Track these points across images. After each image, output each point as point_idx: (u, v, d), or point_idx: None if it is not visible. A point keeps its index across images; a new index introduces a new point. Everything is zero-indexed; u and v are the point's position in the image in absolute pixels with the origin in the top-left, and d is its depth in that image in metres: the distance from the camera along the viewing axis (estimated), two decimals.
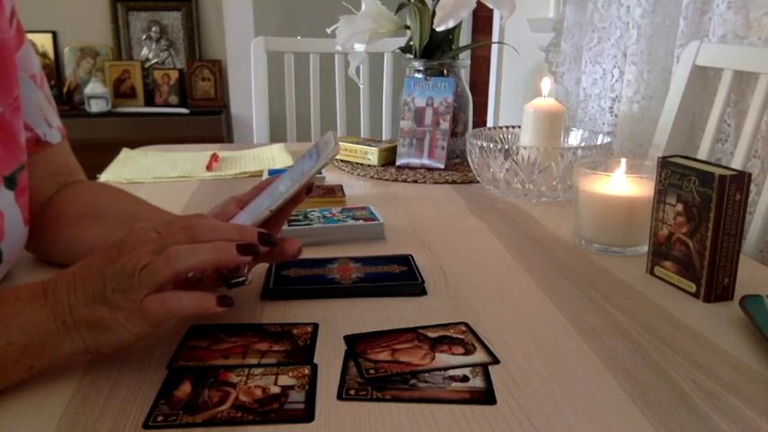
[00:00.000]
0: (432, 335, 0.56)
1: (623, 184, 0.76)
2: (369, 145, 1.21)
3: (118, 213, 0.70)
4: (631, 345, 0.55)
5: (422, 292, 0.65)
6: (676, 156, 0.69)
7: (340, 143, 1.22)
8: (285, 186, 0.56)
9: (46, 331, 0.46)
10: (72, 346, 0.47)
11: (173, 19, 3.03)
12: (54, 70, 2.99)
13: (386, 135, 1.81)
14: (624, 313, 0.61)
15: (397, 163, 1.18)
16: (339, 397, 0.47)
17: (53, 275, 0.49)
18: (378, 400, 0.46)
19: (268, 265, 0.70)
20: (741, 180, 0.61)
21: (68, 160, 0.76)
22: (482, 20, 2.81)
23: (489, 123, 2.32)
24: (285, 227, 0.78)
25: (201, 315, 0.53)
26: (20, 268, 0.71)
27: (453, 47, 1.20)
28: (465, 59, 1.26)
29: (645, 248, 0.73)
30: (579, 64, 1.47)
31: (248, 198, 0.60)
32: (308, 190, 0.57)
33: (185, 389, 0.47)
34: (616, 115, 1.34)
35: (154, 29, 3.03)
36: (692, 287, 0.65)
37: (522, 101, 1.22)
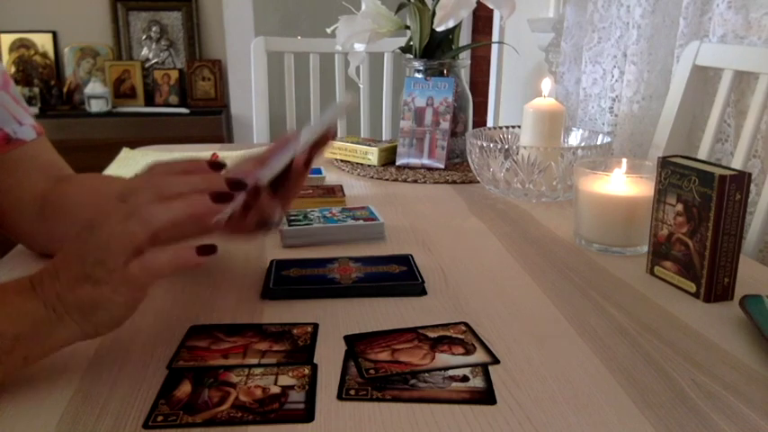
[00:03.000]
0: (432, 335, 0.56)
1: (623, 184, 0.76)
2: (369, 145, 1.21)
3: None
4: (631, 345, 0.55)
5: (422, 292, 0.65)
6: (676, 156, 0.69)
7: (340, 142, 1.22)
8: (306, 136, 0.59)
9: (37, 320, 0.46)
10: (66, 332, 0.47)
11: (173, 19, 3.03)
12: (54, 70, 2.99)
13: (386, 135, 1.81)
14: (624, 313, 0.61)
15: (397, 163, 1.18)
16: (339, 397, 0.47)
17: (38, 269, 0.49)
18: (378, 400, 0.46)
19: (268, 265, 0.70)
20: (741, 180, 0.61)
21: (51, 155, 0.76)
22: (482, 20, 2.81)
23: (489, 123, 2.32)
24: (291, 227, 0.78)
25: (184, 269, 0.50)
26: (21, 266, 0.71)
27: (453, 47, 1.20)
28: (465, 59, 1.26)
29: (645, 248, 0.73)
30: (579, 64, 1.47)
31: (267, 155, 0.62)
32: (333, 135, 0.61)
33: (185, 389, 0.47)
34: (616, 115, 1.34)
35: (154, 29, 3.03)
36: (692, 287, 0.65)
37: (522, 101, 1.22)
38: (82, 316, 0.47)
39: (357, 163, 1.20)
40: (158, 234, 0.46)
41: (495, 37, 2.26)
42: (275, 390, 0.47)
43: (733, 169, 0.63)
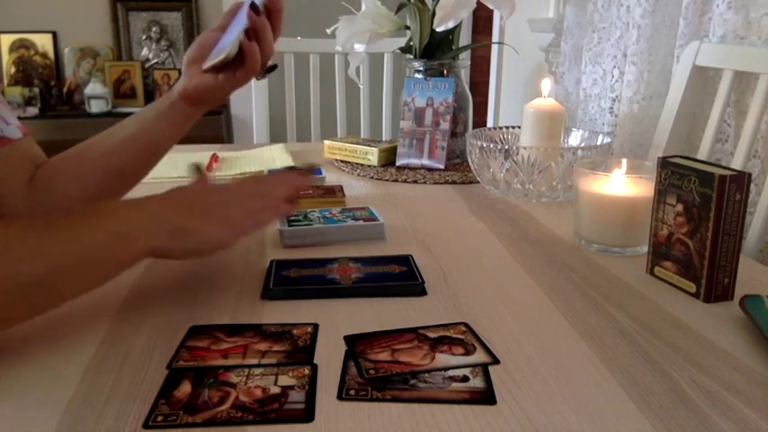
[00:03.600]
0: (432, 335, 0.56)
1: (623, 185, 0.76)
2: (369, 145, 1.21)
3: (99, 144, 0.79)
4: (631, 345, 0.55)
5: (422, 292, 0.65)
6: (676, 156, 0.69)
7: (340, 143, 1.22)
8: None
9: (140, 225, 0.56)
10: (151, 243, 0.56)
11: (173, 19, 3.03)
12: (54, 70, 2.99)
13: (386, 135, 1.81)
14: (624, 313, 0.61)
15: (397, 163, 1.18)
16: (339, 397, 0.47)
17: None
18: (378, 400, 0.46)
19: (268, 265, 0.70)
20: (741, 180, 0.61)
21: (38, 152, 0.79)
22: (482, 20, 2.81)
23: (489, 123, 2.32)
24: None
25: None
26: None
27: (453, 47, 1.20)
28: (465, 59, 1.26)
29: (645, 248, 0.73)
30: (579, 64, 1.47)
31: (225, 23, 0.75)
32: None
33: (185, 389, 0.47)
34: (616, 115, 1.34)
35: (154, 29, 3.03)
36: (692, 287, 0.65)
37: (522, 101, 1.22)
38: (173, 237, 0.58)
39: (357, 163, 1.20)
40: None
41: (495, 37, 2.26)
42: (275, 390, 0.47)
43: (733, 169, 0.63)
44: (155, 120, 0.77)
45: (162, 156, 0.80)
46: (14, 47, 2.95)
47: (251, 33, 0.69)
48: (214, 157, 1.23)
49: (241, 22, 0.70)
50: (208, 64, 0.72)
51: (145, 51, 3.04)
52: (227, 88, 0.74)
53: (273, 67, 0.74)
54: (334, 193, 0.99)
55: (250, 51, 0.70)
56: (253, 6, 0.68)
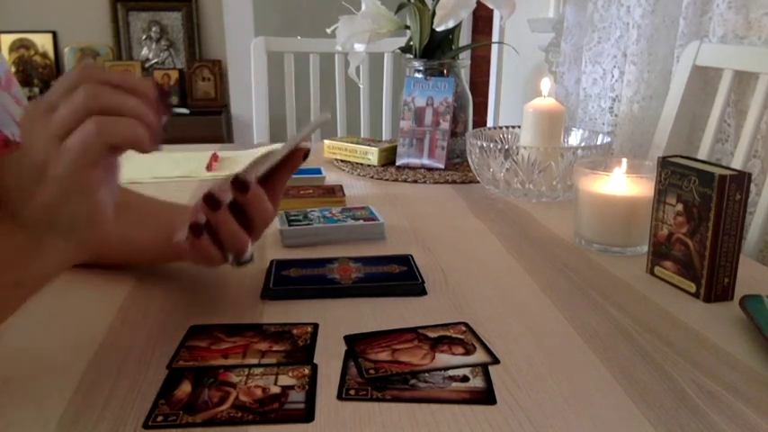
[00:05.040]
0: (432, 335, 0.56)
1: (623, 184, 0.76)
2: (369, 145, 1.21)
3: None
4: (631, 345, 0.55)
5: (422, 292, 0.65)
6: (676, 156, 0.69)
7: (340, 142, 1.22)
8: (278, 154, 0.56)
9: (18, 241, 0.44)
10: (54, 250, 0.45)
11: (173, 19, 3.03)
12: (54, 70, 2.99)
13: (386, 135, 1.81)
14: (624, 313, 0.61)
15: (397, 163, 1.18)
16: (339, 397, 0.47)
17: None
18: (378, 400, 0.46)
19: (268, 265, 0.70)
20: (741, 180, 0.61)
21: None
22: (482, 20, 2.81)
23: (489, 123, 2.32)
24: (285, 229, 0.78)
25: (123, 139, 0.44)
26: None
27: (453, 47, 1.20)
28: (465, 59, 1.26)
29: (645, 248, 0.73)
30: (579, 64, 1.47)
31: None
32: (304, 156, 0.57)
33: (185, 389, 0.47)
34: (616, 115, 1.34)
35: (154, 29, 3.03)
36: (692, 287, 0.65)
37: (522, 101, 1.22)
38: (53, 223, 0.44)
39: (357, 163, 1.20)
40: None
41: (495, 37, 2.26)
42: (275, 390, 0.47)
43: (733, 169, 0.63)
44: (169, 208, 0.72)
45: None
46: (14, 47, 2.95)
47: (201, 228, 0.53)
48: (214, 157, 1.23)
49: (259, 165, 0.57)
50: (179, 237, 0.56)
51: (145, 51, 3.04)
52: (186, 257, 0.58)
53: (247, 261, 0.56)
54: (334, 192, 0.99)
55: (198, 246, 0.54)
56: (208, 198, 0.52)
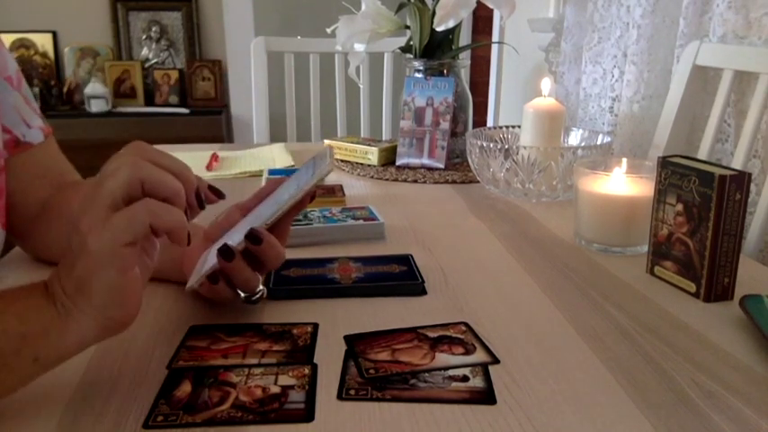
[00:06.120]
0: (432, 335, 0.56)
1: (623, 184, 0.76)
2: (369, 145, 1.21)
3: None
4: (631, 345, 0.55)
5: (422, 291, 0.65)
6: (676, 156, 0.69)
7: (340, 142, 1.22)
8: (283, 200, 0.57)
9: (46, 318, 0.44)
10: (78, 327, 0.44)
11: (173, 19, 3.03)
12: (54, 70, 2.99)
13: (386, 135, 1.81)
14: (624, 313, 0.61)
15: (397, 163, 1.18)
16: (339, 397, 0.47)
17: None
18: (378, 400, 0.46)
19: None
20: (741, 180, 0.61)
21: (57, 159, 0.76)
22: (482, 20, 2.80)
23: (489, 123, 2.32)
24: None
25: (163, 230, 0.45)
26: (21, 267, 0.71)
27: (453, 47, 1.20)
28: (465, 59, 1.26)
29: (645, 248, 0.73)
30: (579, 64, 1.47)
31: (250, 205, 0.61)
32: (311, 197, 0.58)
33: (185, 389, 0.47)
34: (616, 115, 1.34)
35: (154, 29, 3.03)
36: (692, 287, 0.65)
37: (522, 101, 1.22)
38: (84, 298, 0.44)
39: (357, 163, 1.20)
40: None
41: (495, 37, 2.26)
42: (275, 390, 0.47)
43: (733, 169, 0.63)
44: None
45: None
46: (14, 46, 2.95)
47: (218, 278, 0.55)
48: (214, 157, 1.23)
49: (269, 207, 0.59)
50: (191, 283, 0.58)
51: (145, 51, 3.04)
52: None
53: (258, 299, 0.59)
54: (334, 192, 0.99)
55: (211, 291, 0.57)
56: (223, 252, 0.54)
